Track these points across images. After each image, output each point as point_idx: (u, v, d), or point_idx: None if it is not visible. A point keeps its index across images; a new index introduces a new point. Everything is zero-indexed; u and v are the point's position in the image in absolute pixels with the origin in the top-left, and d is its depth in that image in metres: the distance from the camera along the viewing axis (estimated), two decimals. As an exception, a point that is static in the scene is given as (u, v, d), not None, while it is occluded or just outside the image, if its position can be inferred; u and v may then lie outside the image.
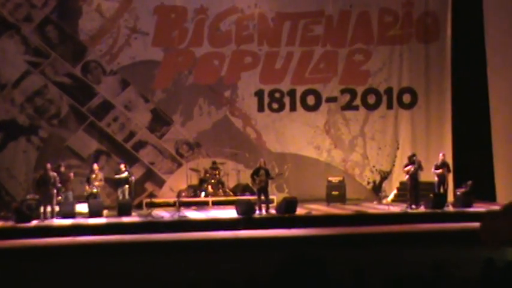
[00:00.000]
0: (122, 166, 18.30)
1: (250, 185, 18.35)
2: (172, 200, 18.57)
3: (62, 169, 17.72)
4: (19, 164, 19.67)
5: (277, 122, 20.95)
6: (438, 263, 7.32)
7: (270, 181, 17.64)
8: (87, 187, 17.62)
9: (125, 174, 18.07)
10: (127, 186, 18.05)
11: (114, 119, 20.16)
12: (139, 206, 18.83)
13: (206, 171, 19.75)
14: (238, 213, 16.63)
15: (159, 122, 20.44)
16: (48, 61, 19.75)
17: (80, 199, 17.72)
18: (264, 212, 17.07)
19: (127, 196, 18.03)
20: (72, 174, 17.97)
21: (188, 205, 18.63)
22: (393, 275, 6.81)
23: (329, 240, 14.46)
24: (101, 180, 17.70)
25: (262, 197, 17.21)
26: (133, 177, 18.30)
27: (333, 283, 6.41)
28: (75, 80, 19.91)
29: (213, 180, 19.61)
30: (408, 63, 21.05)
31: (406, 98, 21.13)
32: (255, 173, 17.32)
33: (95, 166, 17.90)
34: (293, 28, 20.80)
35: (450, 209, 17.60)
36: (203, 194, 19.53)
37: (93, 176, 17.63)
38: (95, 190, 17.55)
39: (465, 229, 15.09)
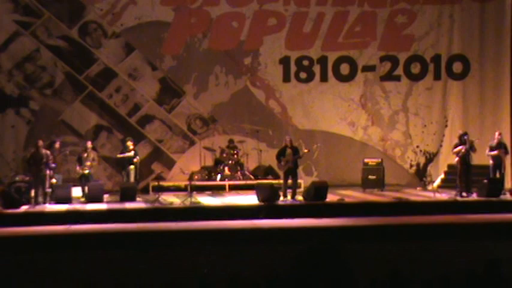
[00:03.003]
0: (130, 143, 18.19)
1: (277, 167, 18.27)
2: (183, 183, 18.64)
3: (57, 146, 17.75)
4: (7, 141, 19.83)
5: (305, 94, 20.87)
6: (493, 260, 7.25)
7: (299, 161, 17.54)
8: (77, 168, 17.61)
9: (131, 153, 18.03)
10: (132, 167, 18.05)
11: (117, 90, 20.19)
12: (145, 191, 18.94)
13: (222, 151, 19.76)
14: (259, 199, 16.64)
15: (169, 93, 20.44)
16: (41, 21, 19.77)
17: (70, 181, 17.78)
18: (289, 198, 17.05)
19: (131, 179, 18.07)
20: (68, 153, 17.94)
21: (201, 190, 18.72)
22: (439, 274, 6.76)
23: (364, 232, 14.47)
24: (93, 159, 17.61)
25: (290, 181, 17.16)
26: (138, 157, 18.28)
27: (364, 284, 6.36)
28: (71, 43, 19.95)
29: (230, 161, 19.62)
30: (460, 26, 20.84)
31: (457, 66, 20.94)
32: (281, 153, 17.23)
33: (89, 144, 17.82)
34: (325, -16, 20.69)
35: (507, 197, 17.49)
36: (219, 177, 19.56)
37: (85, 155, 17.55)
38: (86, 171, 17.47)
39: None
